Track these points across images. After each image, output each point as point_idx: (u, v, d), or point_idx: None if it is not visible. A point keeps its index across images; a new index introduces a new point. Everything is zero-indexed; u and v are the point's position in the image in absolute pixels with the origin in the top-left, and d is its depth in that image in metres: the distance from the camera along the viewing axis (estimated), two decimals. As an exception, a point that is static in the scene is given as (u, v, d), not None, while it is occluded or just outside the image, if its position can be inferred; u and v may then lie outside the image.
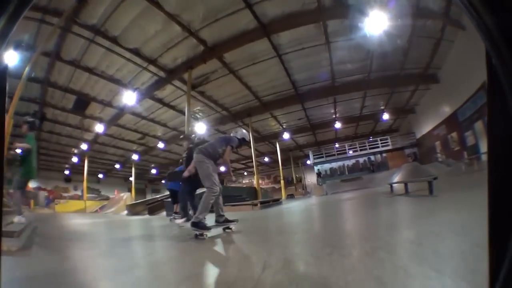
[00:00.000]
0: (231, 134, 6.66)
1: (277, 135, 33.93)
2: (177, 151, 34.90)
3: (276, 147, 36.50)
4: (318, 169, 39.76)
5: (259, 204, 16.12)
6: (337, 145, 39.40)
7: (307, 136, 38.29)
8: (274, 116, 28.74)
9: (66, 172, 41.09)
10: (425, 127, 29.06)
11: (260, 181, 55.35)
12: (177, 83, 20.35)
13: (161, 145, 32.00)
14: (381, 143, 36.59)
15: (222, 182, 9.26)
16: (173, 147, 34.32)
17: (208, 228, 5.62)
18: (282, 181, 36.48)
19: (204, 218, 5.66)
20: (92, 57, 17.33)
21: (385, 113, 29.97)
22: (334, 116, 31.16)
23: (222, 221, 6.31)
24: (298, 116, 29.70)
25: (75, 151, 32.87)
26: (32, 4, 0.91)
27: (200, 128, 23.99)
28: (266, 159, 46.77)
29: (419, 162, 21.42)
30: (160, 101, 23.16)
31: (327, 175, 38.92)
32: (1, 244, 1.44)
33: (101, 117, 24.77)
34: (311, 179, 48.37)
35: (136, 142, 32.72)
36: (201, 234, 5.52)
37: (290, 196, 36.99)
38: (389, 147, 36.12)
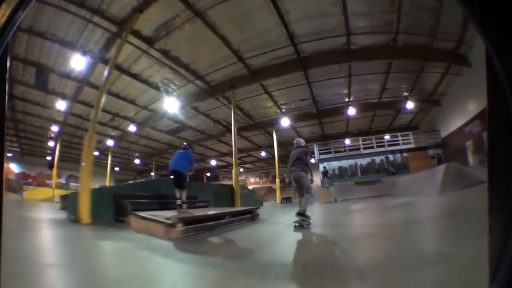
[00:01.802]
0: (300, 145, 9.19)
1: (274, 122, 27.39)
2: (158, 138, 32.99)
3: (273, 137, 29.69)
4: (325, 167, 32.17)
5: (181, 226, 6.97)
6: (347, 142, 31.97)
7: (312, 126, 31.52)
8: (268, 92, 22.22)
9: (49, 158, 36.63)
10: (452, 124, 24.38)
11: (254, 180, 51.22)
12: (134, 40, 15.28)
13: (132, 128, 27.08)
14: (402, 140, 30.28)
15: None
16: (150, 132, 30.36)
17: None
18: (277, 180, 29.33)
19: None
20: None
21: (409, 101, 24.43)
22: (347, 99, 24.66)
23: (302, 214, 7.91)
24: (301, 95, 23.21)
25: (49, 134, 30.58)
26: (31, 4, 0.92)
27: (170, 104, 20.02)
28: (263, 153, 40.24)
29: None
30: (118, 68, 17.71)
31: (335, 176, 31.84)
32: (1, 244, 1.11)
33: (63, 93, 21.50)
34: (315, 179, 40.19)
35: (108, 125, 27.97)
36: (306, 220, 7.79)
37: (286, 200, 29.27)
38: (411, 146, 30.01)
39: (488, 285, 0.85)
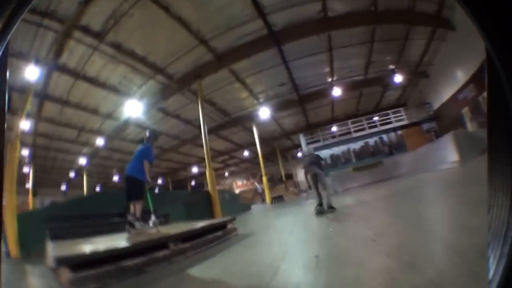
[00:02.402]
0: (312, 152, 10.66)
1: (253, 116, 24.85)
2: (131, 149, 26.22)
3: (253, 132, 27.17)
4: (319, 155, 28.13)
5: (68, 273, 3.92)
6: (334, 129, 29.44)
7: (295, 116, 29.14)
8: (240, 79, 19.63)
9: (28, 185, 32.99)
10: (444, 94, 23.19)
11: (242, 183, 48.81)
12: (84, 38, 13.86)
13: (100, 141, 25.02)
14: (394, 118, 28.19)
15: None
16: (120, 144, 27.47)
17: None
18: (264, 178, 26.85)
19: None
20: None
21: (396, 74, 23.15)
22: (330, 78, 22.47)
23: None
24: (279, 80, 20.85)
25: (23, 159, 26.88)
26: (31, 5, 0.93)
27: (134, 109, 18.49)
28: (246, 153, 37.66)
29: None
30: (72, 73, 16.37)
31: (328, 166, 27.04)
32: (1, 244, 1.07)
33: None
34: (301, 175, 38.12)
35: (76, 142, 26.26)
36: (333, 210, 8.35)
37: (278, 199, 26.33)
38: (404, 122, 28.06)
39: (488, 283, 0.84)
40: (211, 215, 14.56)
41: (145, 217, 7.56)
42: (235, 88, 20.74)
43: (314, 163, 9.69)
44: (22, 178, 28.84)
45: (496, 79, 0.83)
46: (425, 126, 27.33)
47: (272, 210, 17.06)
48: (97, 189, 40.48)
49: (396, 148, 27.73)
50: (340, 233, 5.28)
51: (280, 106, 24.38)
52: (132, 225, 7.13)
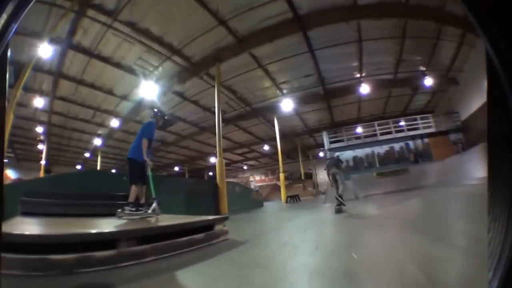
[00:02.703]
0: (333, 156, 12.56)
1: (274, 108, 23.71)
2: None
3: (274, 125, 26.01)
4: (338, 156, 25.64)
5: None
6: (359, 130, 27.74)
7: (319, 112, 27.74)
8: (263, 66, 18.36)
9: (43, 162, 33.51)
10: (473, 103, 21.01)
11: (260, 178, 48.01)
12: (98, 16, 13.57)
13: (115, 123, 25.01)
14: (422, 124, 26.29)
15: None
16: (136, 127, 24.86)
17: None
18: (281, 175, 25.52)
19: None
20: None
21: (426, 76, 21.68)
22: (358, 74, 21.15)
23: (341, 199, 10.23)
24: (304, 70, 19.51)
25: (39, 137, 28.78)
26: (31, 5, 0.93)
27: (150, 91, 18.38)
28: (266, 147, 36.72)
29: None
30: (86, 52, 16.21)
31: (349, 168, 26.76)
32: (1, 243, 1.32)
33: (40, 89, 19.72)
34: (324, 175, 36.97)
35: (91, 121, 26.12)
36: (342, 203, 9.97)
37: (293, 199, 24.56)
38: (432, 130, 26.08)
39: (488, 284, 0.84)
40: (216, 209, 13.38)
41: (141, 204, 6.73)
42: (257, 76, 19.62)
43: (333, 165, 11.38)
44: (37, 155, 32.14)
45: (496, 79, 0.83)
46: (452, 137, 25.52)
47: (284, 210, 15.37)
48: (113, 170, 39.05)
49: (422, 156, 25.85)
50: (365, 265, 3.15)
51: (304, 100, 23.20)
52: (123, 210, 6.26)
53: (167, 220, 6.17)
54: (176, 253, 4.64)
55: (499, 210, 0.85)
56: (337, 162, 11.71)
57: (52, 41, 13.88)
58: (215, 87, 16.31)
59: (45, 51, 14.07)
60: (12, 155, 34.01)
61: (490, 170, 0.88)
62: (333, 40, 16.44)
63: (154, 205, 6.73)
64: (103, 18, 13.44)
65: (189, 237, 5.12)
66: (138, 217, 6.35)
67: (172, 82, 19.06)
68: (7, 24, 0.83)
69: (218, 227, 5.94)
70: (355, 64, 19.63)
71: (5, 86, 0.89)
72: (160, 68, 17.85)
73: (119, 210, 6.21)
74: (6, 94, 0.89)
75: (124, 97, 21.42)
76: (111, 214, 6.28)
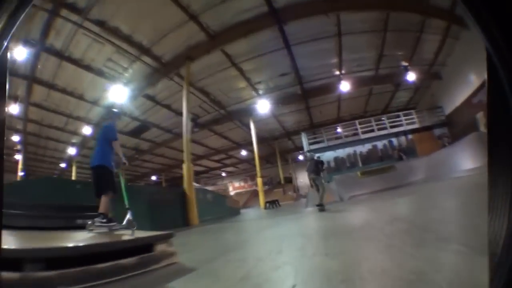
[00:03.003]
0: (313, 158, 12.34)
1: (250, 110, 23.10)
2: (121, 142, 25.35)
3: (250, 129, 25.28)
4: (319, 157, 24.36)
5: None
6: (339, 129, 26.66)
7: (298, 113, 27.33)
8: (237, 65, 17.61)
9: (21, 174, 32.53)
10: (457, 97, 21.71)
11: (239, 184, 47.51)
12: (72, 16, 13.19)
13: (88, 130, 24.16)
14: (405, 120, 25.78)
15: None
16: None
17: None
18: (259, 180, 24.80)
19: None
20: None
21: (409, 71, 21.51)
22: (338, 71, 20.40)
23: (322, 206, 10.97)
24: (281, 69, 18.90)
25: (15, 146, 27.77)
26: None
27: (120, 94, 17.75)
28: (243, 152, 35.86)
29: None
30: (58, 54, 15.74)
31: (331, 169, 25.35)
32: (1, 244, 1.02)
33: (15, 95, 19.18)
34: (304, 179, 35.27)
35: (65, 130, 25.32)
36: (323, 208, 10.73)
37: (272, 204, 23.49)
38: (416, 126, 25.75)
39: (488, 284, 0.82)
40: (185, 219, 12.41)
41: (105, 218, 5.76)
42: (231, 76, 18.86)
43: (312, 170, 11.59)
44: (15, 166, 29.87)
45: (496, 79, 0.82)
46: (437, 132, 25.39)
47: (261, 218, 14.12)
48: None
49: (406, 153, 25.16)
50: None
51: (281, 100, 22.60)
52: (94, 223, 5.52)
53: (93, 238, 4.96)
54: (90, 285, 3.28)
55: (499, 210, 0.82)
56: (316, 165, 11.75)
57: (26, 43, 13.82)
58: (183, 87, 15.88)
59: (19, 53, 13.98)
60: None
61: (490, 169, 0.85)
62: (311, 35, 16.02)
63: (128, 216, 5.97)
64: (74, 17, 13.05)
65: (115, 262, 3.70)
66: (107, 230, 5.59)
67: (142, 84, 18.42)
68: (7, 24, 0.81)
69: (160, 248, 4.50)
70: (334, 60, 19.05)
71: (5, 86, 0.87)
72: (130, 69, 17.30)
73: (89, 222, 5.54)
74: (7, 93, 0.87)
75: (95, 102, 20.77)
76: (68, 226, 5.82)
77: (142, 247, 4.24)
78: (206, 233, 9.60)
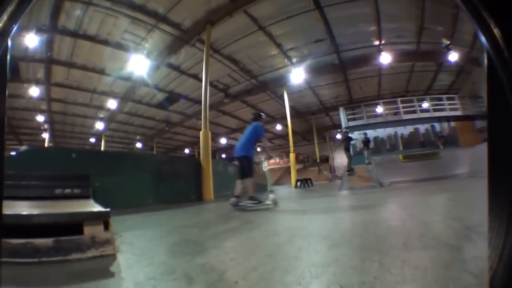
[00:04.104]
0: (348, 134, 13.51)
1: (284, 80, 21.41)
2: (151, 114, 29.03)
3: (284, 100, 23.88)
4: (366, 134, 22.05)
5: None
6: (380, 109, 25.07)
7: (335, 87, 25.21)
8: (264, 29, 16.10)
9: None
10: None
11: (274, 161, 46.83)
12: None
13: (113, 104, 24.38)
14: (448, 105, 23.89)
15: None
16: (138, 108, 27.04)
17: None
18: (292, 155, 23.91)
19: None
20: None
21: (451, 51, 19.51)
22: (377, 41, 18.57)
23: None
24: (315, 34, 17.14)
25: (42, 126, 29.28)
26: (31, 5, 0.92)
27: (140, 65, 17.79)
28: (279, 126, 33.79)
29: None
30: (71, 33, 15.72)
31: (370, 150, 22.40)
32: (1, 244, 1.23)
33: (36, 78, 19.89)
34: (341, 159, 34.60)
35: (91, 105, 25.79)
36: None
37: (303, 183, 21.72)
38: (459, 113, 23.85)
39: (488, 283, 0.85)
40: (198, 194, 11.18)
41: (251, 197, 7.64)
42: (260, 42, 17.34)
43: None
44: (43, 145, 31.69)
45: (496, 79, 0.83)
46: (478, 124, 23.37)
47: (288, 199, 12.33)
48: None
49: (448, 142, 23.29)
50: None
51: (317, 70, 20.84)
52: (249, 203, 7.40)
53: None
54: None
55: (499, 210, 0.84)
56: (347, 140, 12.25)
57: (38, 30, 14.07)
58: (204, 51, 14.78)
59: (32, 41, 14.50)
60: (18, 147, 33.56)
61: (490, 170, 0.88)
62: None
63: (271, 195, 7.70)
64: None
65: (26, 240, 2.82)
66: (263, 207, 7.28)
67: (164, 54, 17.77)
68: (8, 24, 0.81)
69: (90, 231, 3.14)
70: (373, 28, 17.24)
71: (5, 86, 0.87)
72: (149, 39, 16.73)
73: (242, 204, 7.37)
74: (7, 93, 0.88)
75: (118, 76, 20.43)
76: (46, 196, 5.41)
77: (68, 227, 3.11)
78: (208, 212, 8.49)
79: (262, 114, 9.38)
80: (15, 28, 0.83)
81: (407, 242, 2.89)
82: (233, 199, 7.46)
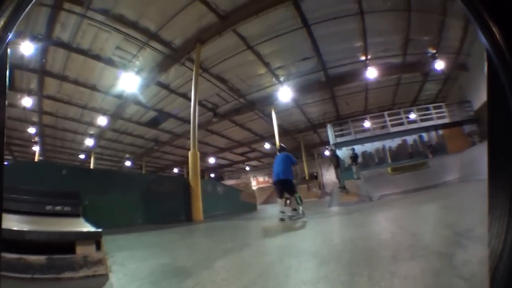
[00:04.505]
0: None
1: (272, 99, 21.50)
2: (140, 133, 28.55)
3: (272, 118, 23.55)
4: (353, 150, 22.13)
5: None
6: (368, 124, 25.28)
7: (323, 104, 25.22)
8: (252, 48, 16.21)
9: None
10: (485, 91, 17.62)
11: (263, 179, 47.07)
12: (75, 8, 13.14)
13: (103, 121, 24.05)
14: (436, 114, 24.16)
15: None
16: (127, 126, 26.56)
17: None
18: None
19: None
20: None
21: (437, 59, 19.87)
22: (363, 56, 18.76)
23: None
24: (302, 52, 17.29)
25: (33, 138, 28.52)
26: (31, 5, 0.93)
27: (131, 83, 17.80)
28: (267, 145, 33.88)
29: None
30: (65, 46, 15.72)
31: (359, 165, 22.25)
32: (1, 244, 1.34)
33: (28, 88, 19.64)
34: (330, 175, 36.29)
35: (81, 121, 25.36)
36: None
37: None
38: (446, 120, 24.10)
39: (488, 283, 0.84)
40: (187, 215, 11.14)
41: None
42: (248, 61, 17.43)
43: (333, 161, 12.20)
44: (34, 157, 31.27)
45: (496, 79, 0.84)
46: (466, 129, 23.51)
47: (273, 217, 12.48)
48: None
49: (436, 150, 23.58)
50: None
51: (304, 88, 21.04)
52: (297, 213, 9.49)
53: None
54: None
55: (499, 210, 0.83)
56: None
57: (33, 38, 14.08)
58: (193, 70, 15.04)
59: (27, 49, 14.36)
60: (10, 157, 33.66)
61: (490, 170, 0.87)
62: (331, 13, 14.49)
63: (301, 208, 9.56)
64: (77, 8, 13.00)
65: (19, 255, 2.87)
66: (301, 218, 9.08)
67: (154, 72, 17.81)
68: (7, 25, 0.82)
69: (83, 250, 3.24)
70: (359, 44, 17.45)
71: (5, 86, 0.88)
72: (140, 57, 16.80)
73: (289, 215, 9.40)
74: (7, 94, 0.89)
75: (108, 92, 20.50)
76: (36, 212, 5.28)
77: (60, 246, 3.19)
78: (194, 232, 8.62)
79: (283, 145, 11.97)
80: (14, 28, 0.85)
81: (396, 254, 2.94)
82: (282, 214, 9.29)
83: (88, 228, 3.98)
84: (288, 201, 10.23)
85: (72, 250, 3.09)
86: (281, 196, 9.80)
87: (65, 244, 3.12)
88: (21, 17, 0.86)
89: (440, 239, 3.32)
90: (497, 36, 0.80)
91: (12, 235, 3.04)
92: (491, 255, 0.84)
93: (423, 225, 4.81)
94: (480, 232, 3.05)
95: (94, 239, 3.42)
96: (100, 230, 3.51)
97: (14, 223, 3.76)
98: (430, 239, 3.41)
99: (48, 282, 2.84)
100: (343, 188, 16.80)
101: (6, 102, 0.89)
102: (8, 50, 0.85)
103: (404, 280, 2.17)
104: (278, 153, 10.52)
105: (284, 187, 9.65)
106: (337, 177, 19.06)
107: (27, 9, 0.88)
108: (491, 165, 0.88)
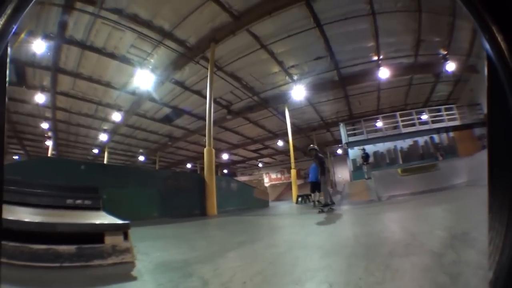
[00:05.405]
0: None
1: (285, 96, 21.66)
2: (154, 129, 28.86)
3: (285, 116, 23.70)
4: (364, 149, 23.29)
5: None
6: (380, 123, 25.43)
7: (335, 103, 25.23)
8: (266, 47, 16.38)
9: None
10: None
11: (276, 176, 46.71)
12: (87, 7, 13.24)
13: (117, 117, 24.48)
14: (447, 116, 24.11)
15: None
16: (141, 121, 26.90)
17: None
18: (293, 171, 23.43)
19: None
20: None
21: (448, 61, 19.68)
22: (375, 56, 18.84)
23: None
24: (315, 52, 17.39)
25: (46, 133, 29.10)
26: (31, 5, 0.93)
27: (145, 80, 17.93)
28: (280, 142, 33.62)
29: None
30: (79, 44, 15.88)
31: (370, 164, 23.39)
32: (1, 244, 1.31)
33: (41, 85, 19.98)
34: (342, 174, 37.38)
35: (95, 117, 25.81)
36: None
37: (304, 199, 21.25)
38: (457, 123, 23.92)
39: (488, 283, 0.84)
40: (202, 209, 11.42)
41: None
42: (262, 60, 17.73)
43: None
44: (46, 152, 31.44)
45: (496, 79, 0.84)
46: (477, 132, 23.25)
47: (287, 214, 12.94)
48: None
49: (447, 152, 23.56)
50: None
51: (317, 87, 21.02)
52: (323, 207, 10.67)
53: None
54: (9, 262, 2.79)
55: (499, 210, 0.84)
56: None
57: (46, 37, 14.27)
58: (208, 69, 15.15)
59: (40, 47, 14.54)
60: (22, 151, 34.43)
61: (490, 170, 0.87)
62: (343, 14, 14.57)
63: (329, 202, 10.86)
64: (90, 8, 13.07)
65: (48, 246, 3.09)
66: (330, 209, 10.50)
67: (169, 70, 17.95)
68: (7, 24, 0.82)
69: (111, 240, 3.50)
70: (371, 44, 17.49)
71: (5, 86, 0.88)
72: (155, 55, 16.90)
73: (322, 207, 10.54)
74: (6, 94, 0.89)
75: (123, 89, 20.59)
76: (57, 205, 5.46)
77: (89, 236, 3.45)
78: (211, 226, 8.91)
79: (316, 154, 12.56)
80: (14, 29, 0.86)
81: (393, 251, 3.19)
82: (318, 204, 13.02)
83: (115, 220, 4.23)
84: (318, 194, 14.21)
85: (100, 240, 3.36)
86: (313, 191, 15.10)
87: (94, 235, 3.40)
88: (21, 17, 0.87)
89: (436, 240, 3.50)
90: (497, 36, 0.81)
91: (44, 227, 3.29)
92: (491, 255, 0.85)
93: (423, 226, 4.96)
94: (474, 236, 3.30)
95: (122, 230, 3.74)
96: (128, 222, 3.77)
97: (41, 216, 4.03)
98: (426, 240, 3.62)
99: (77, 269, 3.03)
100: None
101: (7, 100, 0.91)
102: (9, 49, 0.87)
103: (395, 272, 2.39)
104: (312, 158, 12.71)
105: (316, 186, 14.16)
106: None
107: (27, 9, 0.89)
108: (491, 166, 0.89)
